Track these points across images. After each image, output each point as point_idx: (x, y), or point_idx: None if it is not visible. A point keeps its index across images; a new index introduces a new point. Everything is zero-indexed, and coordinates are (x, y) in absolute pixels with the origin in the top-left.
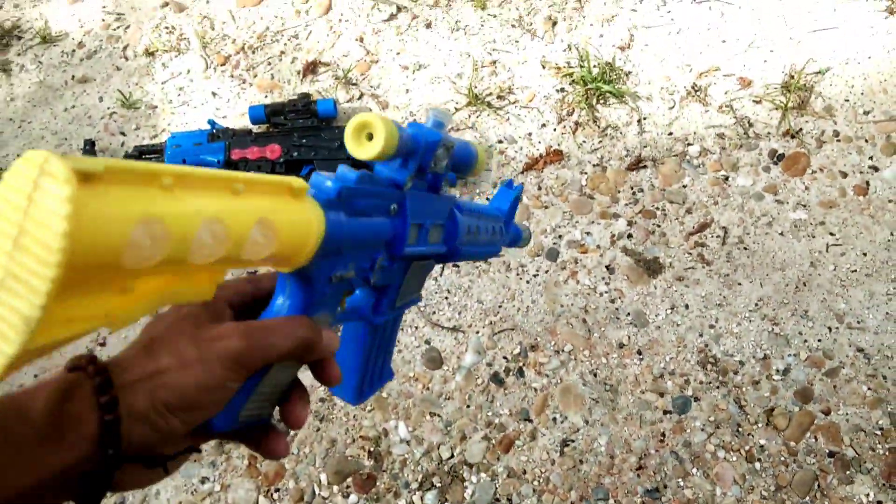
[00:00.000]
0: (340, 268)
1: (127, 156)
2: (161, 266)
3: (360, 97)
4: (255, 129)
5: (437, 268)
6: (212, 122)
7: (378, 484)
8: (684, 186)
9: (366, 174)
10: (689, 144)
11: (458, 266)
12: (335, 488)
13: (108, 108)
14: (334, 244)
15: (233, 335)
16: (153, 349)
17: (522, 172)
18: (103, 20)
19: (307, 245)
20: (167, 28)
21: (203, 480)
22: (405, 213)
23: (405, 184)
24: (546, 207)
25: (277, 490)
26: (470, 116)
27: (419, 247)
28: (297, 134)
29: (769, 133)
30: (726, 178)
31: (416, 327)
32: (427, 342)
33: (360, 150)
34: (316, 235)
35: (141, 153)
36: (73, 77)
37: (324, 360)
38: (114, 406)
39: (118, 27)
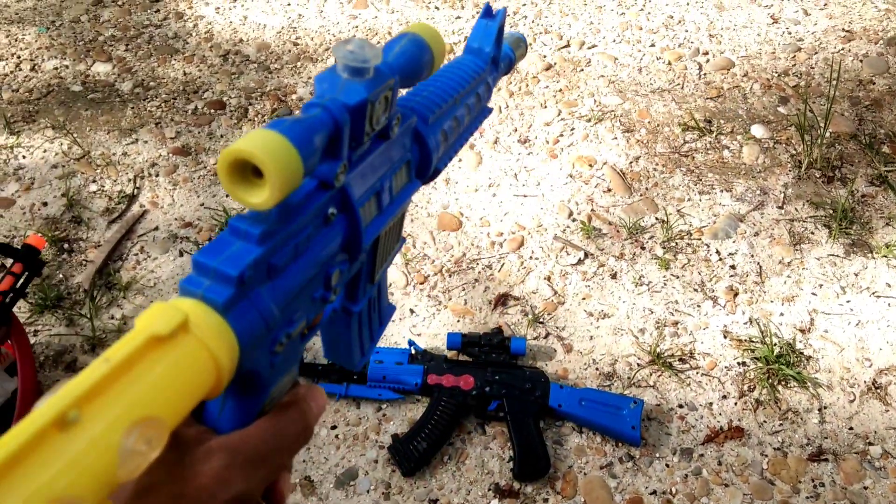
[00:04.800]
0: (281, 335)
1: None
2: None
3: (546, 336)
4: (448, 354)
5: None
6: (412, 343)
7: None
8: (865, 488)
9: (272, 217)
10: (870, 444)
11: None
12: None
13: None
14: (257, 333)
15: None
16: None
17: (703, 443)
18: None
19: (219, 369)
20: None
21: None
22: (351, 204)
23: (335, 179)
24: (726, 486)
25: None
26: (652, 375)
27: (383, 217)
28: (491, 369)
29: None
30: None
31: None
32: None
33: (245, 194)
34: (226, 354)
35: None
36: None
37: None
38: None
39: None
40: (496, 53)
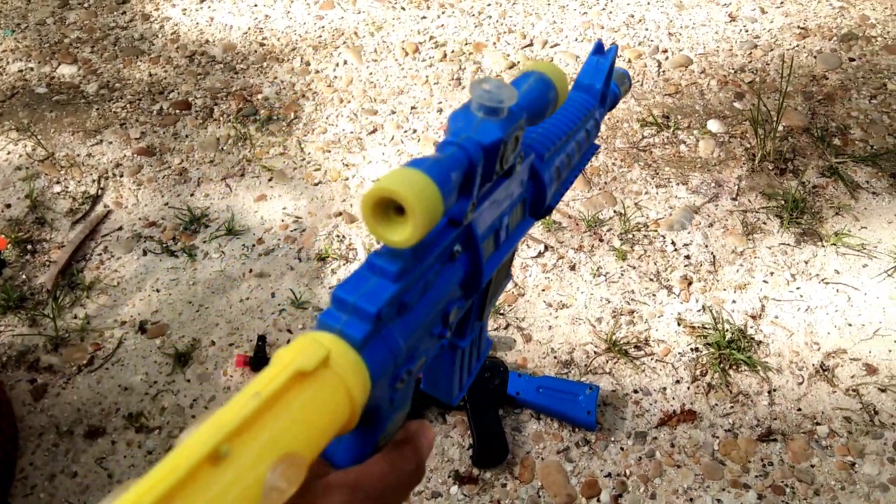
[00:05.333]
0: (403, 371)
1: None
2: None
3: (507, 327)
4: None
5: None
6: None
7: None
8: (812, 466)
9: (407, 254)
10: (817, 424)
11: None
12: None
13: (279, 305)
14: (387, 369)
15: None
16: None
17: (657, 427)
18: (282, 221)
19: (353, 406)
20: (338, 236)
21: None
22: (475, 241)
23: (465, 217)
24: (678, 467)
25: None
26: (608, 362)
27: (500, 254)
28: None
29: (895, 423)
30: (853, 464)
31: None
32: None
33: (386, 232)
34: (360, 390)
35: None
36: (250, 270)
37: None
38: None
39: (295, 229)
40: (605, 90)
